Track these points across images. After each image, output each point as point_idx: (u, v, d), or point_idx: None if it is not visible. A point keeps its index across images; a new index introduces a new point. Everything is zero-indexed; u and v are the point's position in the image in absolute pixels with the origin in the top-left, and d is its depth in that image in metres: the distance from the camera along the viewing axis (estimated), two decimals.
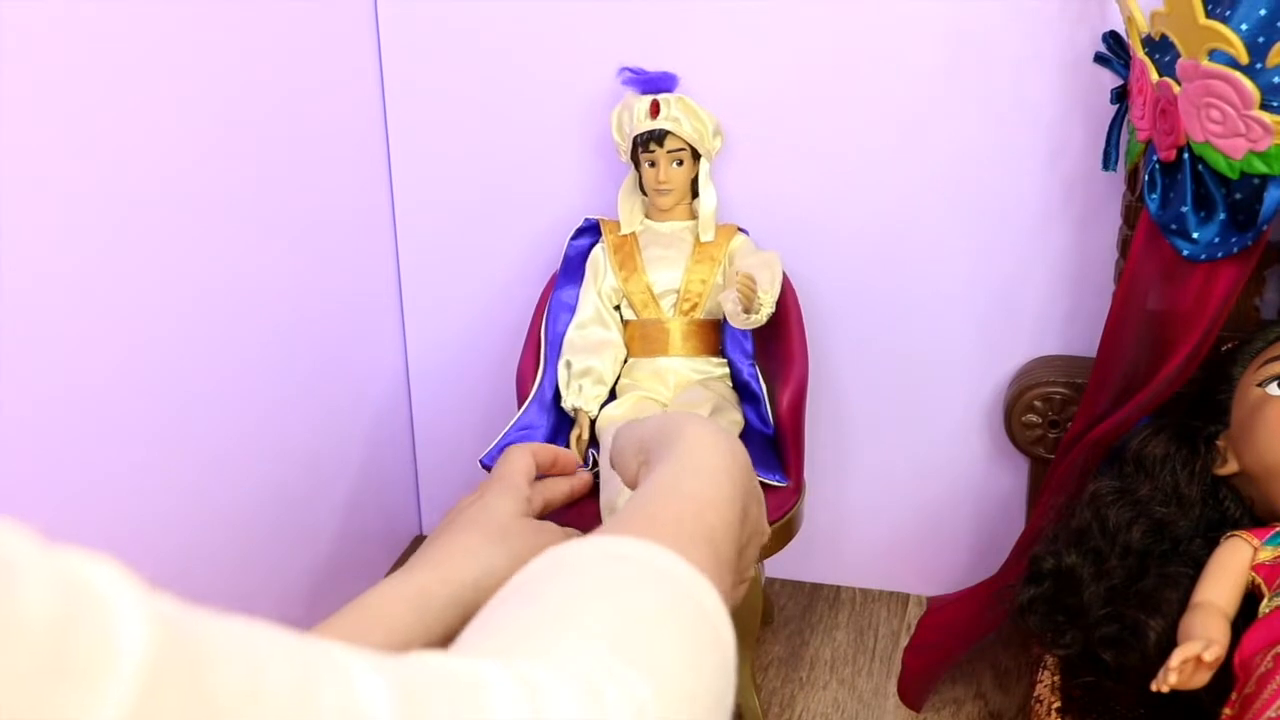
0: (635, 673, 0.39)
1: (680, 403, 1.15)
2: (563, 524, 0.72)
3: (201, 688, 0.29)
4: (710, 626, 0.44)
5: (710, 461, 0.55)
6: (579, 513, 0.97)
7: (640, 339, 1.19)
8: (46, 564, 0.28)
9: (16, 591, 0.27)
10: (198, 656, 0.30)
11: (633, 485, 0.60)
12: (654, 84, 1.18)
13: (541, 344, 1.20)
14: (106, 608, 0.28)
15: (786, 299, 1.17)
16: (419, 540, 1.50)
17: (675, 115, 1.16)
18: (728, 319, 1.15)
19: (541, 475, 0.75)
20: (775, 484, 1.12)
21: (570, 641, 0.39)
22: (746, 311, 1.10)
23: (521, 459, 0.72)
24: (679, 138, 1.16)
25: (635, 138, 1.16)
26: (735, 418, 1.15)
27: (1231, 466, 0.99)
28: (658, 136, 1.16)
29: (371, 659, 0.35)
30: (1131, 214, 1.06)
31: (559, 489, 0.75)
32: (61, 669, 0.27)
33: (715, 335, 1.20)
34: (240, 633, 0.32)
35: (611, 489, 1.03)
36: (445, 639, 0.59)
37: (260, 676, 0.31)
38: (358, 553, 1.36)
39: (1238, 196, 0.90)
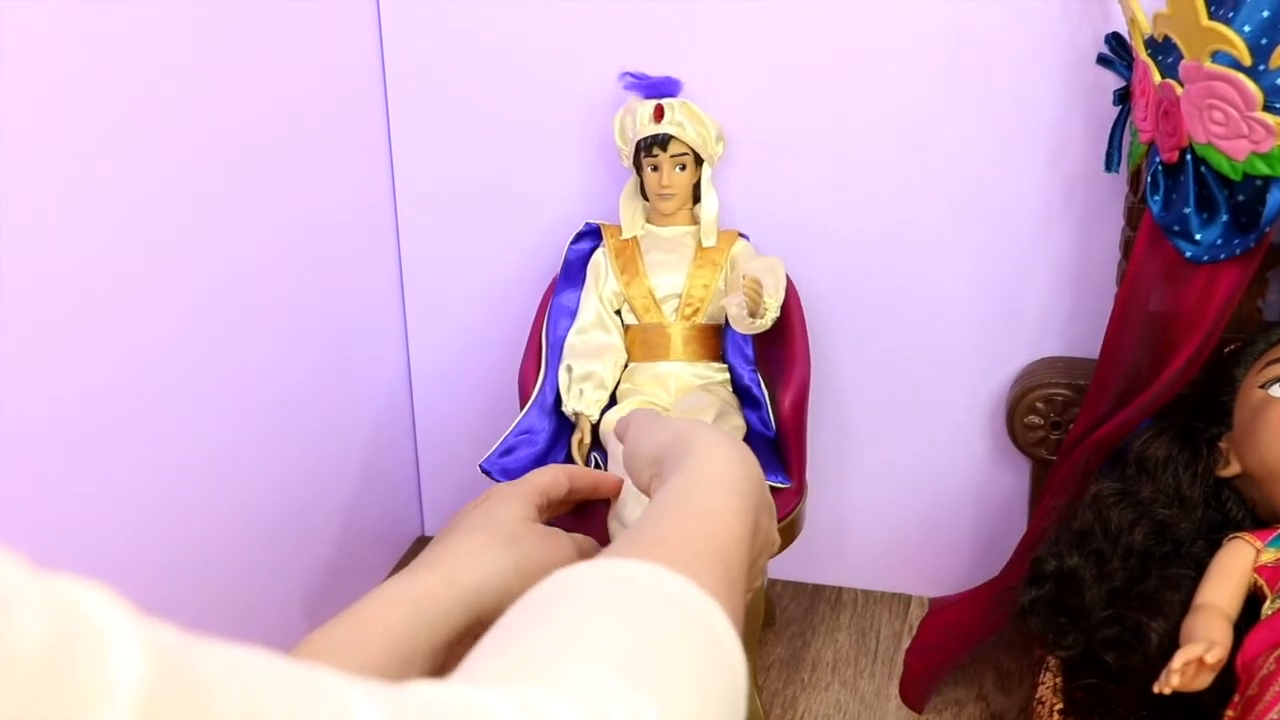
0: (642, 697, 0.38)
1: (683, 407, 1.14)
2: (569, 529, 0.71)
3: (198, 717, 0.29)
4: (719, 650, 0.43)
5: (723, 476, 0.54)
6: (582, 516, 0.97)
7: (641, 344, 1.19)
8: (39, 592, 0.27)
9: (9, 621, 0.26)
10: (194, 685, 0.29)
11: (645, 491, 0.59)
12: (658, 88, 1.18)
13: (542, 348, 1.20)
14: (101, 636, 0.28)
15: (789, 300, 1.17)
16: (421, 541, 1.50)
17: (679, 120, 1.16)
18: (731, 323, 1.15)
19: (579, 499, 0.74)
20: (777, 485, 1.12)
21: (575, 666, 0.39)
22: (752, 315, 1.10)
23: (548, 473, 0.71)
24: (682, 142, 1.16)
25: (638, 142, 1.16)
26: (737, 422, 1.15)
27: (1234, 468, 0.99)
28: (661, 141, 1.16)
29: (369, 688, 0.34)
30: (1134, 215, 1.06)
31: (586, 479, 0.74)
32: (57, 699, 0.26)
33: (716, 340, 1.20)
34: (236, 661, 0.32)
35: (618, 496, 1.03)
36: (448, 643, 0.58)
37: (256, 705, 0.31)
38: (359, 554, 1.36)
39: (1240, 198, 0.90)
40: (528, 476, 0.70)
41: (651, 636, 0.41)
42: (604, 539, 0.91)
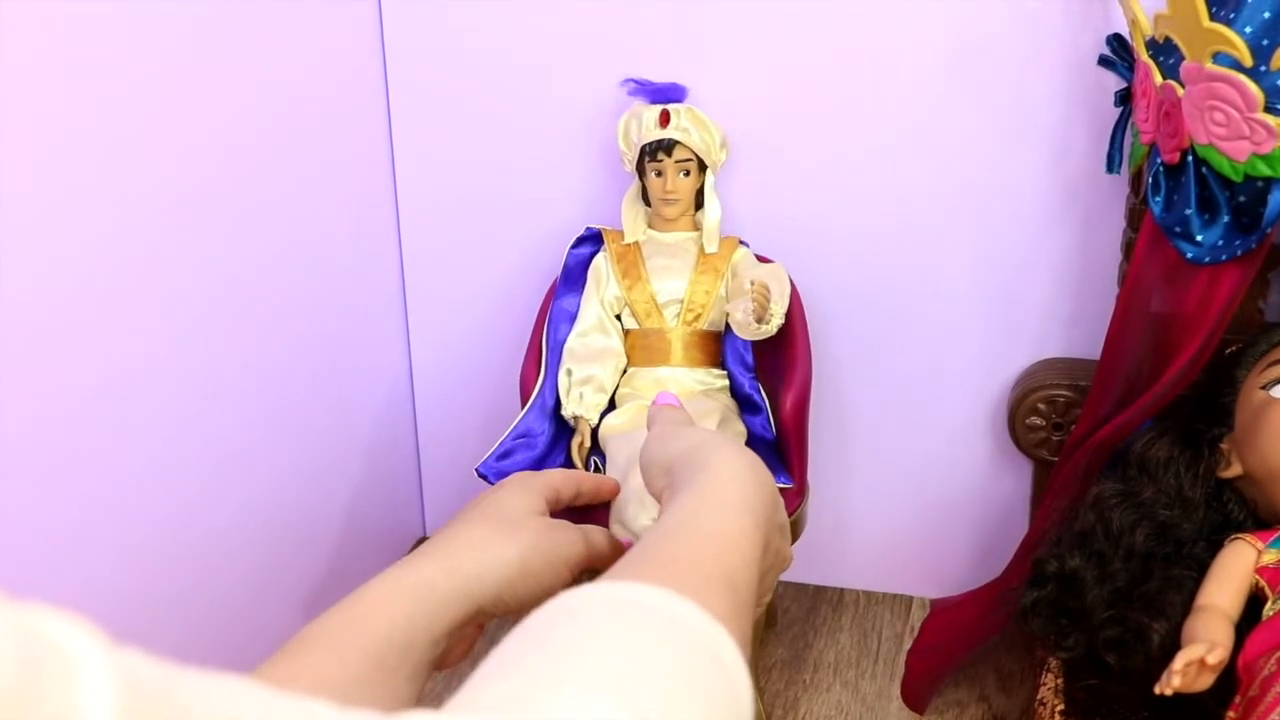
0: None
1: None
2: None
3: None
4: (725, 677, 0.42)
5: (734, 496, 0.53)
6: (584, 516, 0.97)
7: (641, 348, 1.19)
8: (7, 620, 0.26)
9: None
10: (167, 717, 0.28)
11: (656, 497, 0.59)
12: (663, 94, 1.18)
13: (543, 351, 1.20)
14: (71, 666, 0.27)
15: (791, 302, 1.17)
16: (422, 543, 1.50)
17: (684, 125, 1.16)
18: (735, 329, 1.15)
19: (584, 504, 0.73)
20: (779, 485, 1.12)
21: (576, 693, 0.37)
22: (759, 321, 1.10)
23: (561, 475, 0.71)
24: (687, 148, 1.16)
25: (643, 147, 1.16)
26: (739, 428, 1.15)
27: (1235, 469, 0.99)
28: (666, 146, 1.16)
29: (358, 718, 0.34)
30: (1135, 216, 1.06)
31: (591, 484, 0.74)
32: None
33: (716, 347, 1.20)
34: (214, 691, 0.30)
35: (620, 500, 1.03)
36: (448, 632, 0.58)
37: None
38: (361, 555, 1.36)
39: (1241, 199, 0.90)
40: (542, 473, 0.70)
41: (655, 662, 0.40)
42: None
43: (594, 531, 0.67)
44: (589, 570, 0.65)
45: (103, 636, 0.28)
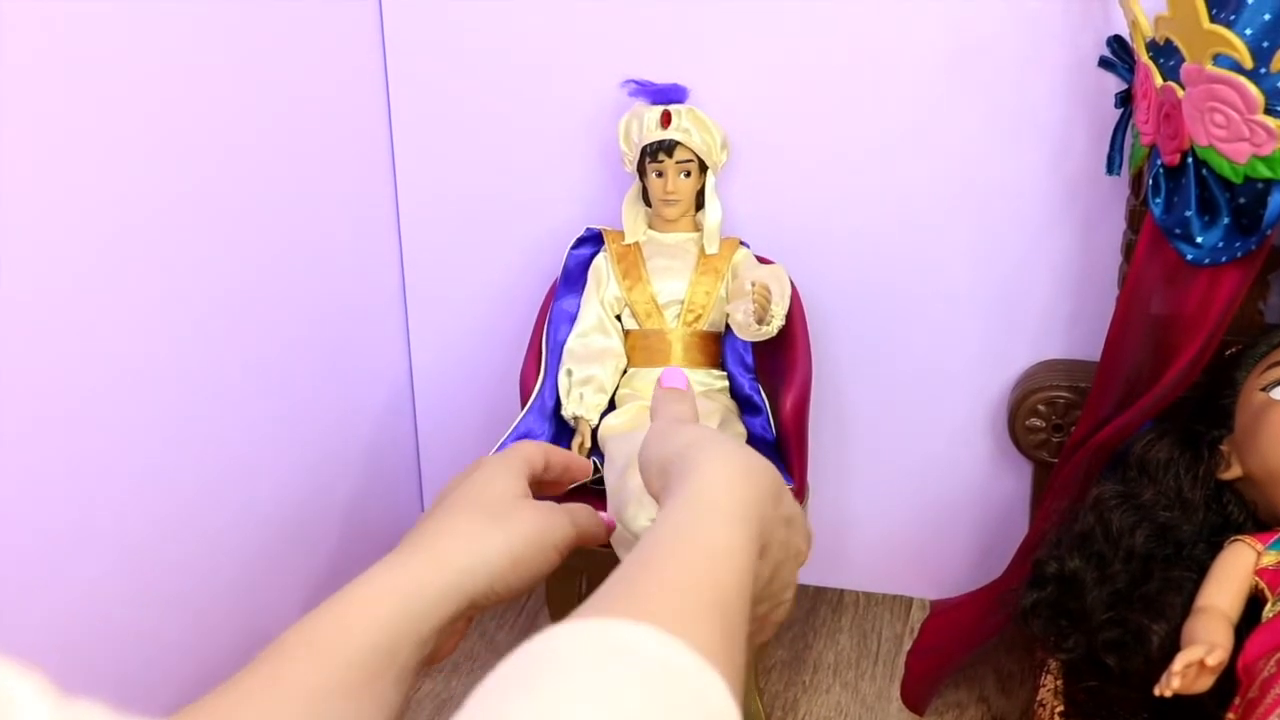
0: None
1: None
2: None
3: None
4: None
5: (726, 501, 0.52)
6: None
7: (641, 349, 1.19)
8: None
9: None
10: None
11: (656, 498, 0.58)
12: (665, 95, 1.18)
13: (543, 351, 1.20)
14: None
15: (791, 303, 1.17)
16: None
17: (686, 126, 1.16)
18: (735, 330, 1.14)
19: (552, 480, 0.72)
20: None
21: None
22: (759, 322, 1.10)
23: (529, 446, 0.69)
24: (688, 149, 1.16)
25: (644, 147, 1.16)
26: (739, 429, 1.15)
27: (1235, 471, 0.99)
28: (667, 147, 1.16)
29: None
30: (1135, 218, 1.06)
31: (559, 458, 0.71)
32: None
33: (716, 348, 1.20)
34: None
35: (619, 500, 1.03)
36: (437, 630, 0.56)
37: None
38: (361, 556, 1.36)
39: (1242, 201, 0.90)
40: (514, 448, 0.67)
41: (643, 717, 0.38)
42: None
43: (579, 511, 0.65)
44: (577, 549, 0.64)
45: (50, 687, 0.27)
